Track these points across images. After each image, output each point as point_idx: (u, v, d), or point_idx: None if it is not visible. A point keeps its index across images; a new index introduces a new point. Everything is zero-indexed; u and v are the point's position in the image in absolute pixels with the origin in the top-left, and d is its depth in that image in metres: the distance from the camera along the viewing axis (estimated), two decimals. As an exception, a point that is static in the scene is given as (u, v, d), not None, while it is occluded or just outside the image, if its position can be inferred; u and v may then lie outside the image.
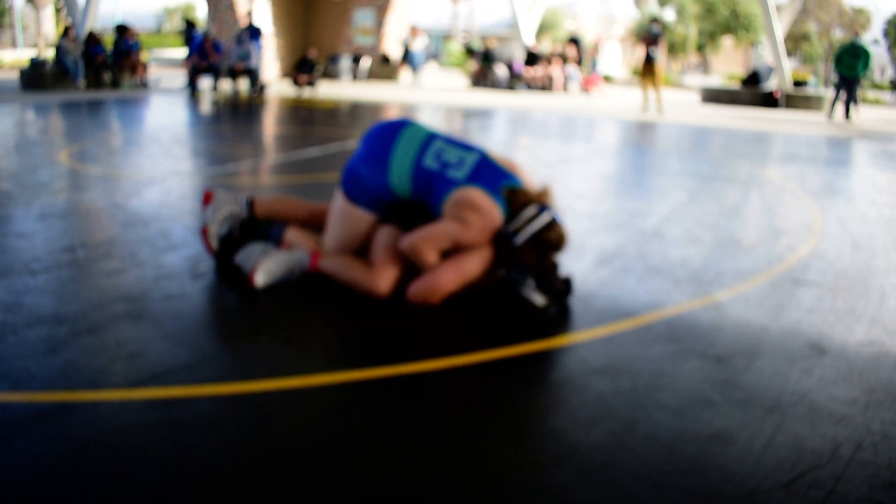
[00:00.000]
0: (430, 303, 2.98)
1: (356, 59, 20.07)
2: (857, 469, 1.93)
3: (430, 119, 11.64)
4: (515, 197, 2.96)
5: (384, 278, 3.03)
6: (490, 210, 2.94)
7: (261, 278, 3.08)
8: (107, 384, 2.20)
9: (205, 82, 14.55)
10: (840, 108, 14.24)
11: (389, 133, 3.11)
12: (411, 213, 3.17)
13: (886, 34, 33.69)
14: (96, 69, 14.41)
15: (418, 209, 3.15)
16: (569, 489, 1.78)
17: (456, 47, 32.85)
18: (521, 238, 2.90)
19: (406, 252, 3.00)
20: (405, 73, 20.80)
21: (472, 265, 3.01)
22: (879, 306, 3.26)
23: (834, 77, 15.48)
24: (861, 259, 4.05)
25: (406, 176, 3.03)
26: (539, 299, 2.97)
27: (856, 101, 14.09)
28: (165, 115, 10.57)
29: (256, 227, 3.38)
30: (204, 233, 3.39)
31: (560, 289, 3.03)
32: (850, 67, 13.69)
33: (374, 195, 3.10)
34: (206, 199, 3.41)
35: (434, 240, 2.96)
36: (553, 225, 2.93)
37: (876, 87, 28.49)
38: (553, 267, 3.03)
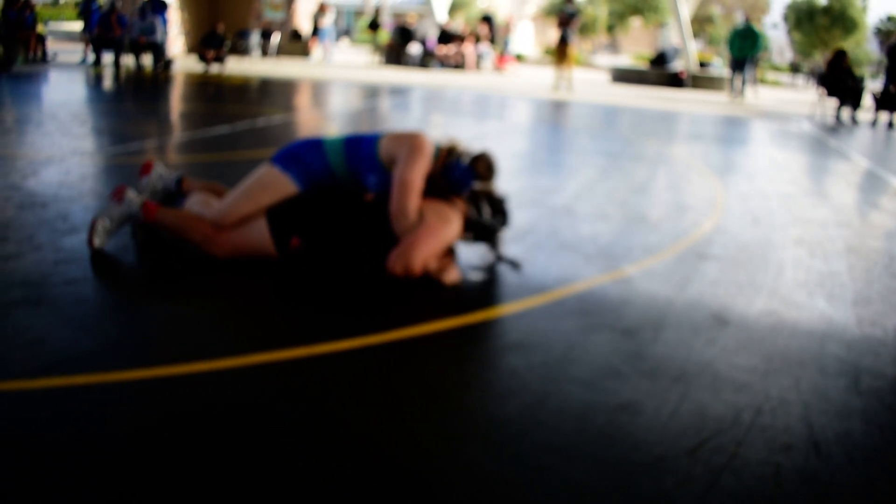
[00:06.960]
0: (411, 271, 2.97)
1: (266, 35, 19.54)
2: (757, 433, 2.03)
3: (343, 97, 11.49)
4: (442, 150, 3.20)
5: (224, 240, 3.11)
6: (420, 134, 3.13)
7: (97, 241, 3.16)
8: (4, 374, 2.09)
9: (106, 57, 13.88)
10: (739, 87, 14.86)
11: (313, 141, 3.27)
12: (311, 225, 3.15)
13: (786, 18, 35.09)
14: (-13, 43, 13.53)
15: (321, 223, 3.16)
16: (482, 462, 1.80)
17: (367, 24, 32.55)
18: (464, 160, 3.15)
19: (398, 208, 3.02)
20: (317, 50, 20.42)
21: (448, 230, 3.05)
22: (777, 278, 3.42)
23: (726, 58, 16.19)
24: (761, 233, 4.24)
25: (339, 147, 3.19)
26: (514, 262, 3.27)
27: (754, 81, 14.72)
28: (64, 91, 10.06)
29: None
30: (92, 225, 3.23)
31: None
32: (740, 49, 14.31)
33: (309, 170, 3.18)
34: (146, 168, 3.59)
35: (409, 191, 3.02)
36: (482, 156, 3.18)
37: (775, 69, 29.67)
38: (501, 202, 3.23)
